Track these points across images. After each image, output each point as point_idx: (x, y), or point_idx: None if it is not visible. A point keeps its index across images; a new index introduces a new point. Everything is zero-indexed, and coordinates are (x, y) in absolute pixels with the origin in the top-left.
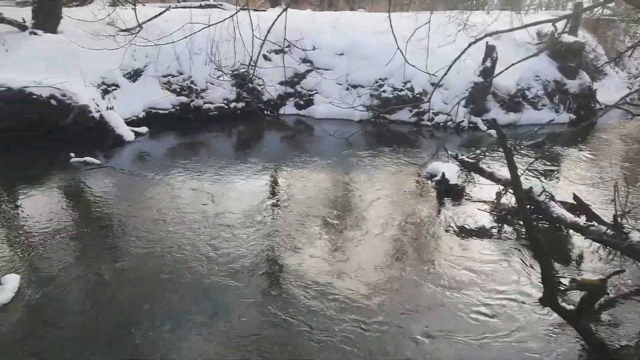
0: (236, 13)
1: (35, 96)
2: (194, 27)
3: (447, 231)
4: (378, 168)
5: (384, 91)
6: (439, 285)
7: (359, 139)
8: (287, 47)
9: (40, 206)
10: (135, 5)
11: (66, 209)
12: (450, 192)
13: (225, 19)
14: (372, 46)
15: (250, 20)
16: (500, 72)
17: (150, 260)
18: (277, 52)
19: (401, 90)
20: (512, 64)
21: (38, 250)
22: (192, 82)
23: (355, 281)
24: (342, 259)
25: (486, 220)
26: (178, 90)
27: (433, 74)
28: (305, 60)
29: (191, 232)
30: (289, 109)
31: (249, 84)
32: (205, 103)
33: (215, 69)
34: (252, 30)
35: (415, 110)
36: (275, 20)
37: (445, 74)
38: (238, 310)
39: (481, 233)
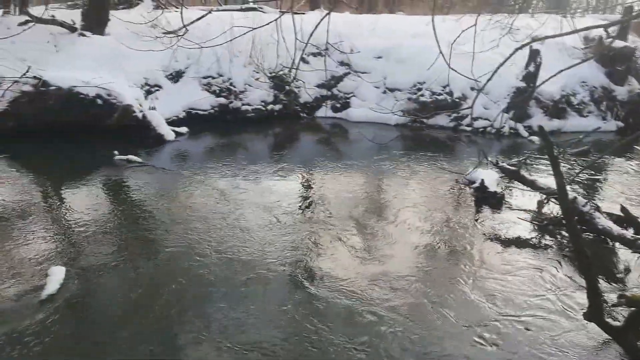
0: (280, 17)
1: (82, 95)
2: (235, 29)
3: (484, 240)
4: (414, 173)
5: (422, 95)
6: (474, 294)
7: (395, 143)
8: (325, 49)
9: (85, 201)
10: (181, 8)
11: (108, 204)
12: (489, 200)
13: (270, 22)
14: (411, 49)
15: (294, 23)
16: (548, 79)
17: (185, 257)
18: (315, 54)
19: (440, 94)
20: (561, 71)
21: (82, 243)
22: (231, 84)
23: (389, 289)
24: (375, 265)
25: (526, 230)
26: (217, 91)
27: (476, 80)
28: (342, 63)
29: (225, 231)
30: (325, 111)
31: (287, 87)
32: (243, 105)
33: (254, 71)
34: (295, 34)
35: (454, 115)
36: (319, 23)
37: (490, 79)
38: (266, 315)
39: (521, 243)
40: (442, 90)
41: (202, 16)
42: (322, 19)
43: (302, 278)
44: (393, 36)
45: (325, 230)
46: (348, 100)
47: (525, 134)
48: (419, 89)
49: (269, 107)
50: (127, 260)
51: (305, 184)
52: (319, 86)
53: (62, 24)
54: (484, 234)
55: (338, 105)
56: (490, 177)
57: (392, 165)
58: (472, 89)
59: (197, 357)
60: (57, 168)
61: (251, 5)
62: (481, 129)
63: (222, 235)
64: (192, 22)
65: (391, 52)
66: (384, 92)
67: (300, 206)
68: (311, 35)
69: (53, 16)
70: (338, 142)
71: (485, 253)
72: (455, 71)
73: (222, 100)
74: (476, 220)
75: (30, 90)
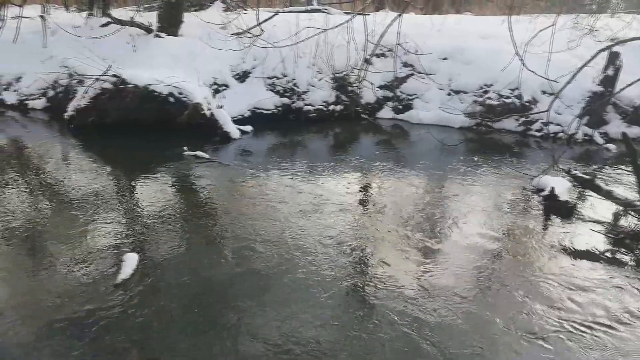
0: (351, 19)
1: (156, 93)
2: (302, 30)
3: (553, 251)
4: (478, 178)
5: (489, 98)
6: (540, 309)
7: (459, 146)
8: (389, 50)
9: (155, 192)
10: (257, 10)
11: (176, 196)
12: (559, 209)
13: (341, 24)
14: (478, 51)
15: (365, 25)
16: (632, 83)
17: (244, 248)
18: (378, 56)
19: (508, 97)
20: None
21: (152, 232)
22: (294, 84)
23: (448, 297)
24: (434, 272)
25: (600, 242)
26: (281, 91)
27: (555, 81)
28: (406, 65)
29: (282, 228)
30: (386, 112)
31: (349, 87)
32: (305, 105)
33: (318, 71)
34: (366, 35)
35: (523, 119)
36: (390, 25)
37: (569, 82)
38: (319, 315)
39: (593, 256)
40: (511, 93)
41: (270, 17)
42: (393, 21)
43: (358, 281)
44: (460, 37)
45: (383, 234)
46: (411, 102)
47: (600, 141)
48: (486, 92)
49: (331, 107)
50: (192, 249)
51: (364, 185)
52: (381, 87)
53: (139, 26)
54: (553, 245)
55: (400, 106)
56: (561, 185)
57: (456, 169)
58: (544, 92)
59: (254, 343)
60: (132, 161)
61: (315, 7)
62: (552, 135)
63: (280, 232)
64: (259, 24)
65: (457, 53)
66: (449, 94)
67: (357, 208)
68: (382, 36)
69: (132, 18)
70: (399, 144)
71: (554, 265)
72: (534, 73)
73: (285, 100)
74: (544, 230)
75: (110, 88)
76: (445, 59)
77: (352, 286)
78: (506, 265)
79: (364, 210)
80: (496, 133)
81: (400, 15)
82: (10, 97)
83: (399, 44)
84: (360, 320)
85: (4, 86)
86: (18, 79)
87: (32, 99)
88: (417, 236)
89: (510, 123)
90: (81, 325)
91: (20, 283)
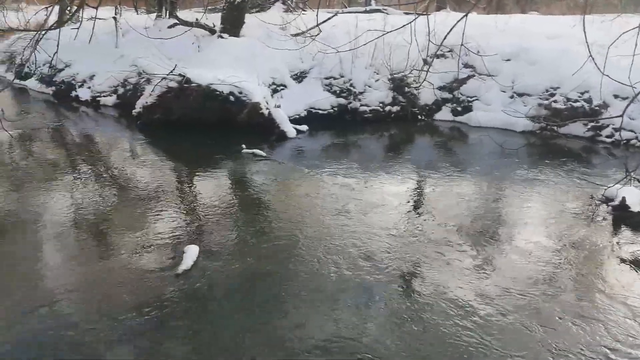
0: (414, 20)
1: (218, 92)
2: (361, 31)
3: (622, 266)
4: (541, 185)
5: (555, 101)
6: (604, 327)
7: (521, 151)
8: (449, 51)
9: (214, 187)
10: (317, 11)
11: (234, 192)
12: (630, 221)
13: (404, 25)
14: (545, 52)
15: (428, 26)
16: None
17: (297, 245)
18: (437, 56)
19: (576, 101)
20: None
21: (211, 226)
22: (351, 85)
23: (505, 310)
24: (490, 282)
25: None
26: (338, 91)
27: (632, 86)
28: (467, 65)
29: (333, 227)
30: (444, 114)
31: (406, 88)
32: (361, 105)
33: (375, 72)
34: (429, 36)
35: (592, 124)
36: (454, 25)
37: None
38: (367, 318)
39: None
40: (579, 97)
41: (329, 18)
42: (458, 21)
43: (408, 287)
44: (525, 37)
45: (436, 240)
46: (470, 104)
47: None
48: (552, 94)
49: (387, 108)
50: (248, 243)
51: (418, 188)
52: (440, 88)
53: (204, 27)
54: (622, 259)
55: (459, 108)
56: (633, 196)
57: (516, 175)
58: (616, 96)
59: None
60: (193, 157)
61: (374, 7)
62: (624, 141)
63: (330, 231)
64: (320, 23)
65: (522, 54)
66: (511, 97)
67: (410, 211)
68: (445, 37)
69: (198, 19)
70: (456, 147)
71: (623, 281)
72: (610, 77)
73: (341, 100)
74: (613, 243)
75: (175, 86)
76: (508, 59)
77: (400, 291)
78: (568, 278)
79: (417, 214)
80: (562, 138)
81: (465, 15)
82: (85, 94)
83: (463, 45)
84: (407, 325)
85: (79, 83)
86: (92, 77)
87: (104, 96)
88: (471, 244)
89: (577, 128)
90: (143, 311)
91: (87, 269)
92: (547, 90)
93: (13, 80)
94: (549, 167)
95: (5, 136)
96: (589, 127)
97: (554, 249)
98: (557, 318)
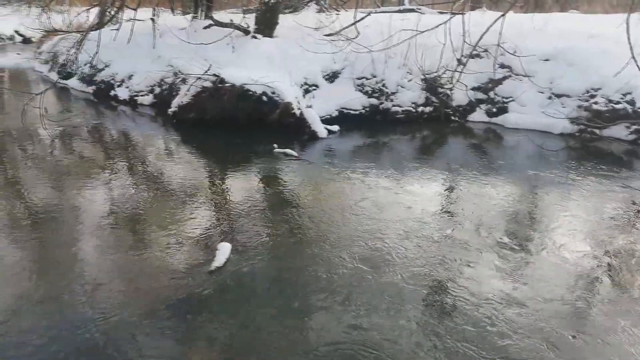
0: (449, 19)
1: (251, 92)
2: (395, 33)
3: None
4: (580, 189)
5: (596, 102)
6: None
7: (559, 154)
8: (484, 51)
9: (246, 186)
10: (355, 11)
11: (266, 190)
12: None
13: (439, 25)
14: (585, 52)
15: (463, 26)
16: None
17: (326, 244)
18: (472, 56)
19: (618, 102)
20: None
21: (243, 224)
22: (383, 85)
23: (538, 320)
24: (522, 291)
25: None
26: (369, 92)
27: None
28: (503, 66)
29: (362, 228)
30: (478, 115)
31: (440, 88)
32: (393, 106)
33: (408, 72)
34: (464, 36)
35: (635, 127)
36: (491, 26)
37: None
38: (394, 324)
39: None
40: (622, 98)
41: (362, 18)
42: (495, 21)
43: (443, 293)
44: (564, 37)
45: (467, 245)
46: (506, 105)
47: None
48: (592, 96)
49: (419, 109)
50: (279, 242)
51: (450, 191)
52: (474, 89)
53: (238, 27)
54: None
55: (494, 109)
56: None
57: (554, 179)
58: None
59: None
60: (226, 155)
61: (407, 7)
62: None
63: (362, 232)
64: (353, 23)
65: (561, 54)
66: (549, 98)
67: (444, 215)
68: (481, 37)
69: (232, 20)
70: (491, 149)
71: None
72: None
73: (373, 100)
74: None
75: (210, 86)
76: (547, 60)
77: (434, 296)
78: (605, 288)
79: (451, 218)
80: (602, 141)
81: (503, 15)
82: (123, 93)
83: (499, 45)
84: (441, 332)
85: (118, 83)
86: (130, 77)
87: (141, 95)
88: (502, 249)
89: (619, 131)
90: (175, 306)
91: (122, 263)
92: (587, 92)
93: (57, 80)
94: (588, 171)
95: (48, 134)
96: (631, 129)
97: (592, 256)
98: (601, 327)
